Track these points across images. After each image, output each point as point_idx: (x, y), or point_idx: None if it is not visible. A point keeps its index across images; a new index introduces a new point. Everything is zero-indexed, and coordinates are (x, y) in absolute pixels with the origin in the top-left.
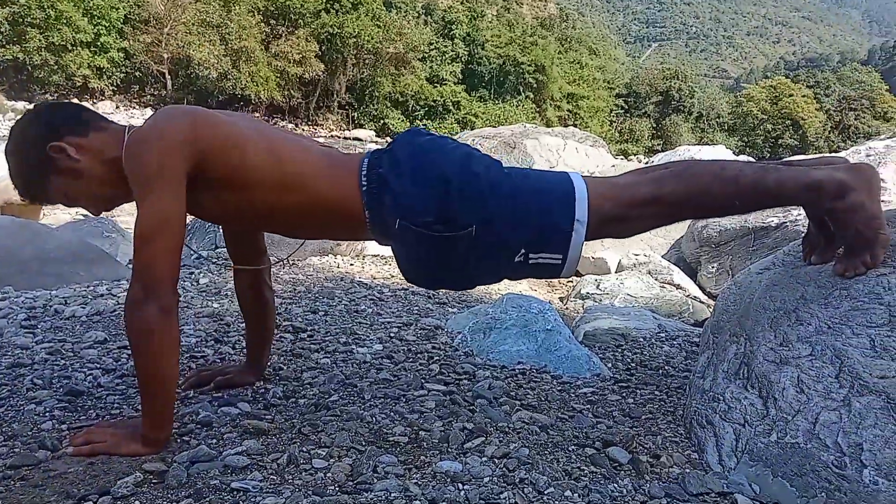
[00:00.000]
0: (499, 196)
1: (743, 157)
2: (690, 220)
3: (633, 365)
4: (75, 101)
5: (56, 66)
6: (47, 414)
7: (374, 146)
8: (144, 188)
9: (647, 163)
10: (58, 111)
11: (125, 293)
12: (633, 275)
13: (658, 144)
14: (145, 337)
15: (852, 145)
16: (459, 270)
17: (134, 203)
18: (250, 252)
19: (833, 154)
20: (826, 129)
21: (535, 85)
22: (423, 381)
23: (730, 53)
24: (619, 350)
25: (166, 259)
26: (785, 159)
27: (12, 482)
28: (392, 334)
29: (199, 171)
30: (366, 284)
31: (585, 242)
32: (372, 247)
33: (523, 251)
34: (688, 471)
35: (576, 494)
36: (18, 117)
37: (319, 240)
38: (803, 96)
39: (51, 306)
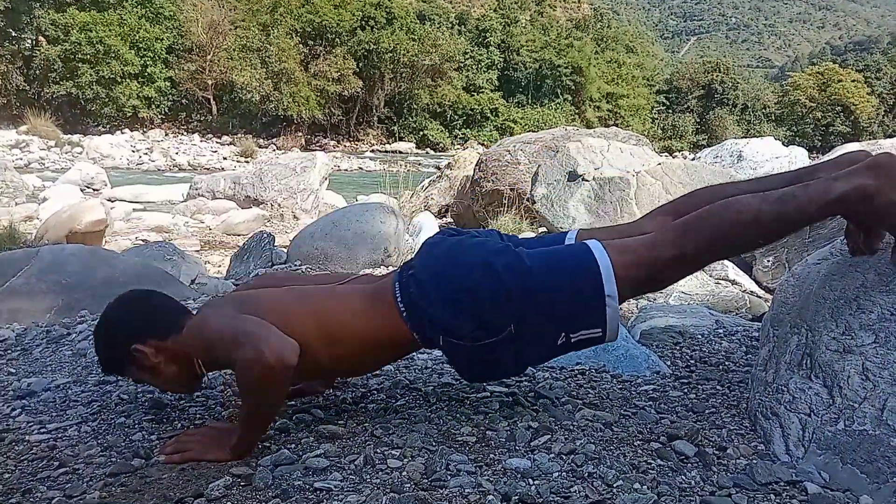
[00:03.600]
0: (528, 294)
1: (793, 149)
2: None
3: (692, 362)
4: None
5: (107, 99)
6: (136, 426)
7: (418, 160)
8: (231, 341)
9: (693, 159)
10: (142, 309)
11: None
12: None
13: (703, 139)
14: (273, 381)
15: None
16: (509, 364)
17: None
18: None
19: (855, 150)
20: (879, 114)
21: (572, 87)
22: (484, 384)
23: (772, 42)
24: (678, 347)
25: (289, 347)
26: (806, 165)
27: (113, 488)
28: None
29: None
30: None
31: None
32: None
33: (563, 334)
34: (755, 461)
35: (644, 487)
36: (112, 302)
37: (388, 364)
38: (853, 81)
39: None
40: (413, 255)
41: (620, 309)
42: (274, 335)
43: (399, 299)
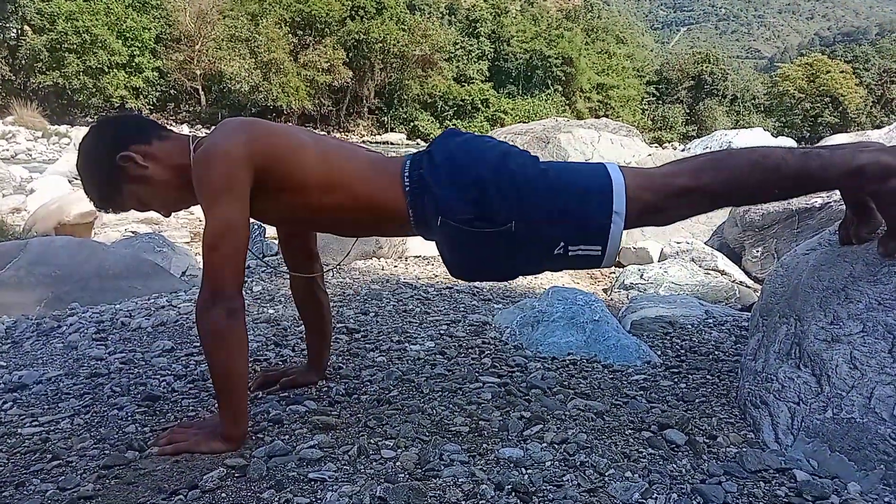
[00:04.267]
0: (536, 193)
1: (782, 139)
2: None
3: (682, 351)
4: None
5: (94, 89)
6: (129, 418)
7: (409, 150)
8: (212, 201)
9: (683, 150)
10: (120, 124)
11: (185, 304)
12: (677, 263)
13: (693, 130)
14: (216, 338)
15: None
16: (500, 262)
17: (182, 212)
18: (304, 257)
19: (857, 140)
20: (868, 105)
21: (563, 78)
22: (476, 374)
23: (762, 33)
24: (668, 337)
25: (231, 265)
26: (819, 145)
27: (107, 480)
28: (442, 331)
29: (260, 180)
30: (411, 285)
31: (624, 231)
32: (414, 248)
33: (562, 244)
34: (745, 449)
35: (636, 475)
36: (84, 134)
37: (369, 236)
38: (841, 72)
39: (117, 319)
40: (430, 142)
41: (624, 233)
42: (233, 282)
43: (407, 175)
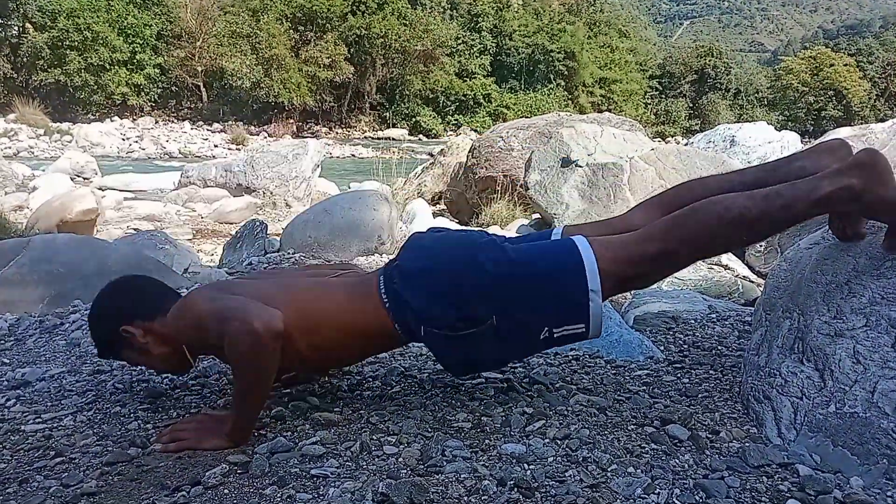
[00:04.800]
0: (511, 285)
1: (786, 133)
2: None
3: (685, 346)
4: (113, 121)
5: (96, 86)
6: (132, 415)
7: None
8: (216, 320)
9: (686, 144)
10: (131, 293)
11: None
12: None
13: (696, 124)
14: (260, 359)
15: None
16: (490, 357)
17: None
18: None
19: (832, 138)
20: (871, 98)
21: (565, 72)
22: (460, 376)
23: (765, 26)
24: (671, 333)
25: (263, 310)
26: (790, 155)
27: (111, 477)
28: None
29: None
30: None
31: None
32: None
33: (546, 328)
34: (748, 444)
35: (639, 470)
36: (104, 287)
37: (367, 358)
38: (845, 65)
39: None
40: (398, 251)
41: (605, 305)
42: (257, 306)
43: (383, 291)
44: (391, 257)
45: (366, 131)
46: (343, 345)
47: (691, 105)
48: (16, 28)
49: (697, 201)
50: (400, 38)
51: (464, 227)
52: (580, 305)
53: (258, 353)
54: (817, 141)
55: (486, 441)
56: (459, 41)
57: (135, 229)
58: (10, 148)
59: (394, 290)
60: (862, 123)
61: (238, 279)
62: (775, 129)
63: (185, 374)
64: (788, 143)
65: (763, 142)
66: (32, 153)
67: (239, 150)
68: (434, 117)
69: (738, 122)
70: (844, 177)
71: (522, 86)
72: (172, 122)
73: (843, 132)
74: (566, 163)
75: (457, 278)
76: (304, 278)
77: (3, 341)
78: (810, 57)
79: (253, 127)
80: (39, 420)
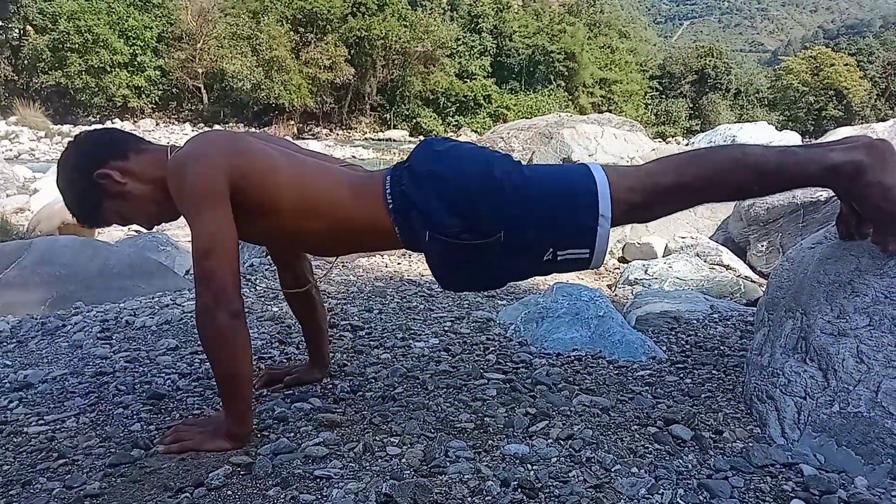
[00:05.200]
0: (522, 200)
1: (787, 133)
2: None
3: (687, 347)
4: (114, 123)
5: (97, 88)
6: (135, 416)
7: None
8: (194, 206)
9: (686, 144)
10: (97, 139)
11: (189, 303)
12: (682, 258)
13: (696, 125)
14: (220, 342)
15: None
16: (491, 272)
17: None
18: (292, 259)
19: (854, 134)
20: (872, 98)
21: (565, 73)
22: (481, 370)
23: (765, 26)
24: (673, 333)
25: (227, 268)
26: (821, 139)
27: (114, 479)
28: (446, 328)
29: (234, 193)
30: (415, 282)
31: (615, 228)
32: None
33: (551, 250)
34: (751, 444)
35: (642, 471)
36: (62, 151)
37: (352, 254)
38: (845, 65)
39: (122, 318)
40: (410, 153)
41: (611, 232)
42: (229, 290)
43: (388, 191)
44: (392, 257)
45: (366, 132)
46: (334, 236)
47: (692, 105)
48: (16, 30)
49: None
50: (400, 39)
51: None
52: (589, 229)
53: (219, 339)
54: (820, 140)
55: (490, 442)
56: (460, 42)
57: (136, 231)
58: (11, 150)
59: (401, 191)
60: (863, 123)
61: (251, 138)
62: (776, 129)
63: (168, 220)
64: (789, 142)
65: (764, 141)
66: (34, 155)
67: None
68: (434, 118)
69: (739, 122)
70: (855, 152)
71: (523, 87)
72: (173, 123)
73: (844, 132)
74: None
75: (470, 188)
76: (312, 160)
77: (5, 343)
78: (810, 57)
79: (254, 128)
80: (42, 422)
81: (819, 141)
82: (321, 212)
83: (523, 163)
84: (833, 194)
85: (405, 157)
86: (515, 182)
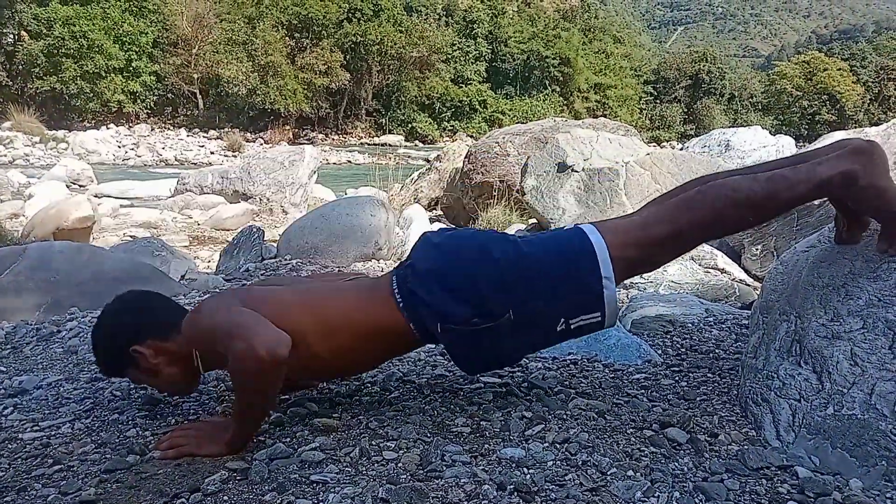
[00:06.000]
0: (525, 277)
1: (781, 137)
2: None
3: (683, 350)
4: (109, 128)
5: (92, 94)
6: (130, 422)
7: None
8: (227, 334)
9: (681, 149)
10: (143, 313)
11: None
12: (676, 262)
13: (691, 129)
14: (267, 375)
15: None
16: (508, 351)
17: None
18: None
19: (845, 138)
20: (865, 102)
21: (560, 78)
22: (479, 375)
23: (759, 31)
24: (668, 336)
25: (266, 324)
26: (795, 154)
27: (109, 485)
28: None
29: None
30: None
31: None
32: None
33: (563, 320)
34: (746, 447)
35: (638, 474)
36: (109, 303)
37: (383, 362)
38: (839, 70)
39: None
40: (410, 251)
41: (618, 291)
42: (265, 328)
43: (396, 291)
44: (388, 262)
45: (362, 137)
46: (360, 348)
47: (686, 110)
48: (11, 36)
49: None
50: (396, 44)
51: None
52: (595, 293)
53: (259, 377)
54: (814, 144)
55: (486, 445)
56: (455, 48)
57: (131, 236)
58: (5, 156)
59: (408, 289)
60: (856, 127)
61: (252, 286)
62: (770, 133)
63: (189, 395)
64: (783, 146)
65: (758, 146)
66: (28, 161)
67: (235, 156)
68: (430, 123)
69: (733, 126)
70: (843, 162)
71: (518, 92)
72: (168, 129)
73: (837, 136)
74: (562, 167)
75: (471, 274)
76: (317, 283)
77: (0, 349)
78: (804, 62)
79: (249, 134)
80: (37, 428)
81: (809, 148)
82: (340, 329)
83: (517, 236)
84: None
85: (407, 257)
86: (513, 260)
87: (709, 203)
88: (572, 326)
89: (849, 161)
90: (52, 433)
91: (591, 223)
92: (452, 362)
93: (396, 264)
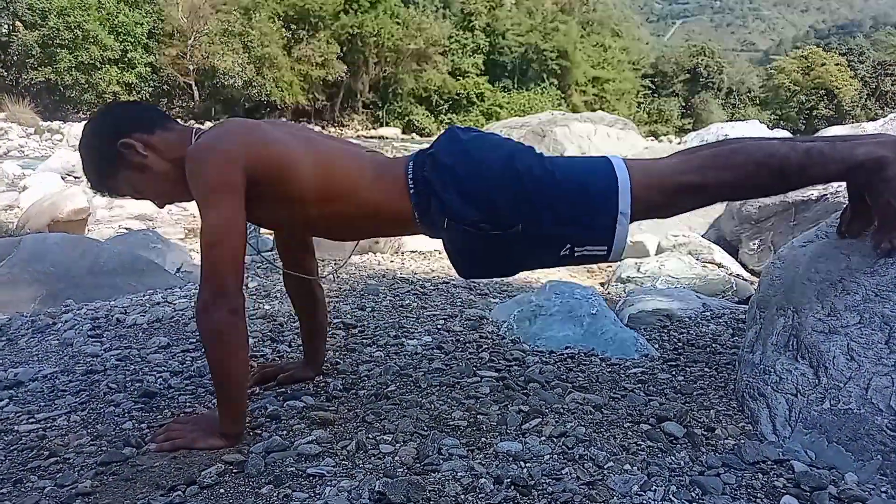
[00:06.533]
0: (542, 195)
1: (778, 132)
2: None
3: (680, 344)
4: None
5: (87, 85)
6: (126, 415)
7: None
8: (206, 198)
9: (679, 143)
10: (127, 109)
11: (180, 301)
12: (674, 256)
13: (688, 123)
14: (217, 338)
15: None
16: (507, 262)
17: (176, 206)
18: (301, 253)
19: (862, 131)
20: (862, 97)
21: (558, 71)
22: (474, 368)
23: (757, 26)
24: (665, 330)
25: (231, 264)
26: (828, 134)
27: (105, 477)
28: (439, 326)
29: (254, 188)
30: (408, 280)
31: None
32: (410, 243)
33: (569, 245)
34: (743, 441)
35: (635, 468)
36: (91, 115)
37: (369, 238)
38: (836, 65)
39: (112, 316)
40: (434, 140)
41: (629, 228)
42: (233, 280)
43: (410, 176)
44: (386, 255)
45: (358, 130)
46: (357, 219)
47: (684, 104)
48: (6, 26)
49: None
50: (393, 36)
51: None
52: (607, 226)
53: (216, 336)
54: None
55: (483, 439)
56: (452, 40)
57: (126, 228)
58: (0, 147)
59: (423, 177)
60: (853, 122)
61: (273, 127)
62: (767, 127)
63: (180, 200)
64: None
65: None
66: (23, 152)
67: None
68: (427, 116)
69: (731, 120)
70: (881, 148)
71: (515, 85)
72: None
73: (834, 131)
74: None
75: (490, 180)
76: (334, 143)
77: None
78: (802, 56)
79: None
80: (33, 420)
81: (847, 132)
82: (344, 195)
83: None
84: (825, 193)
85: (430, 146)
86: (536, 175)
87: (741, 163)
88: (576, 254)
89: (888, 149)
90: (48, 425)
91: (621, 157)
92: (449, 262)
93: (416, 151)
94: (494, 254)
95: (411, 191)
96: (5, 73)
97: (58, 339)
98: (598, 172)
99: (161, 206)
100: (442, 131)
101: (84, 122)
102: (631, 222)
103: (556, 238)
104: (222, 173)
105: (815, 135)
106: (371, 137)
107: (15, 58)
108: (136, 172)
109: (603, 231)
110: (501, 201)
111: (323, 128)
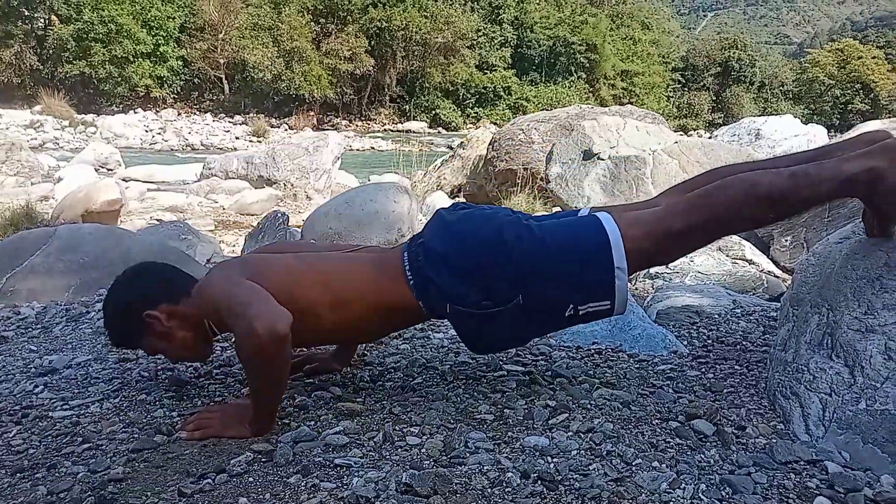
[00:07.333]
0: (537, 264)
1: (812, 127)
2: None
3: (709, 341)
4: (136, 112)
5: (120, 78)
6: (157, 403)
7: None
8: (234, 308)
9: (709, 137)
10: (154, 279)
11: None
12: (703, 252)
13: (719, 117)
14: (270, 354)
15: None
16: (516, 334)
17: None
18: None
19: (874, 129)
20: None
21: (587, 65)
22: (500, 362)
23: (791, 18)
24: (695, 327)
25: (264, 301)
26: (824, 145)
27: (137, 464)
28: None
29: None
30: None
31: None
32: None
33: (571, 306)
34: (775, 440)
35: (663, 465)
36: (119, 275)
37: (387, 335)
38: (873, 58)
39: None
40: (424, 226)
41: (630, 281)
42: (265, 305)
43: (407, 267)
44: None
45: (385, 124)
46: (367, 319)
47: (714, 98)
48: (42, 20)
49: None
50: (421, 30)
51: (488, 205)
52: (606, 283)
53: (262, 356)
54: (846, 134)
55: (509, 433)
56: (480, 33)
57: (158, 220)
58: (36, 139)
59: (418, 267)
60: (890, 117)
61: (261, 254)
62: (801, 122)
63: (204, 361)
64: (815, 136)
65: (789, 135)
66: (58, 144)
67: (260, 142)
68: (454, 110)
69: (763, 115)
70: (871, 159)
71: (543, 78)
72: (195, 113)
73: (871, 125)
74: (588, 155)
75: (482, 258)
76: (327, 253)
77: (30, 329)
78: (837, 49)
79: (274, 119)
80: (67, 407)
81: (838, 140)
82: (350, 301)
83: (531, 214)
84: None
85: (419, 232)
86: (527, 246)
87: (728, 198)
88: (581, 313)
89: (876, 159)
90: (82, 412)
91: (607, 211)
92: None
93: (408, 238)
94: (501, 329)
95: (411, 282)
96: (41, 67)
97: (91, 328)
98: (588, 231)
99: (174, 363)
100: (430, 217)
101: (113, 282)
102: (630, 274)
103: (557, 302)
104: (235, 287)
105: (847, 133)
106: (398, 131)
107: (51, 51)
108: (158, 340)
109: (602, 287)
110: (497, 277)
111: (350, 122)
